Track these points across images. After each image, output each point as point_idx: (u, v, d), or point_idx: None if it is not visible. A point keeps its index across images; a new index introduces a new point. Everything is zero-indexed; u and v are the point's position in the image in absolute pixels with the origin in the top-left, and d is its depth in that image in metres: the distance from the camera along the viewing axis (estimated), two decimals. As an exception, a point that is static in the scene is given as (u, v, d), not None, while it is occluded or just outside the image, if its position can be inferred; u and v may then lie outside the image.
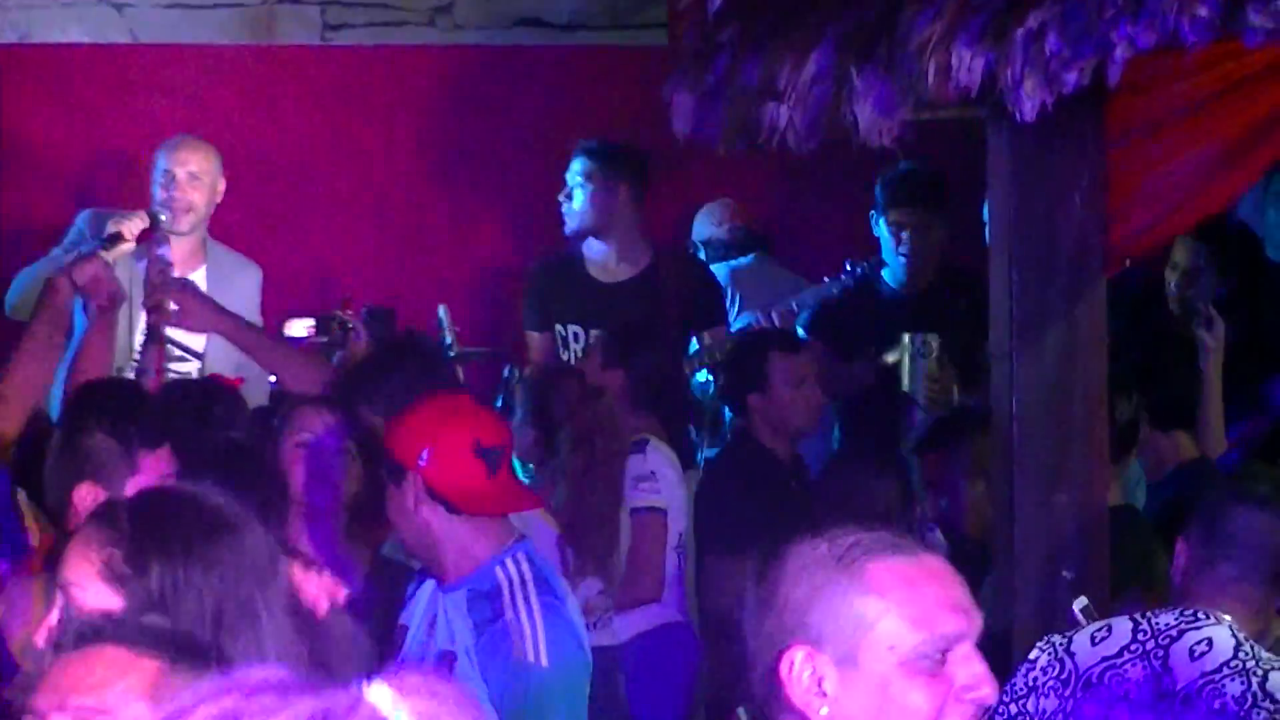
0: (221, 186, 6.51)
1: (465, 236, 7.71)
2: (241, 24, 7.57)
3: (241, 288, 6.44)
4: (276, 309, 6.66)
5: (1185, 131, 4.99)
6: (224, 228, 6.93)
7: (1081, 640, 3.14)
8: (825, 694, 2.52)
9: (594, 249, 6.81)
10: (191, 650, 2.37)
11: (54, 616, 2.76)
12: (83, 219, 6.59)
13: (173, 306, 5.51)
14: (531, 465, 5.54)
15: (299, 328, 6.24)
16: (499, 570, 3.92)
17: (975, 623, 2.56)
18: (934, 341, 6.52)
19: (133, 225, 5.94)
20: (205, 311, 5.52)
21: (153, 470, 3.97)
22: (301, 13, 7.58)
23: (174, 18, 7.53)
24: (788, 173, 7.32)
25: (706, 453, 6.57)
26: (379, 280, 7.47)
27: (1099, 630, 3.17)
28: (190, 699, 1.54)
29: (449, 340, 6.48)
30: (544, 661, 3.85)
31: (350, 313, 6.19)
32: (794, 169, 6.97)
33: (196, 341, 6.13)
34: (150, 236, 6.12)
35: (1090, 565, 4.70)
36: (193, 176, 6.37)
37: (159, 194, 6.36)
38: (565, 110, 7.52)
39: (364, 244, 7.68)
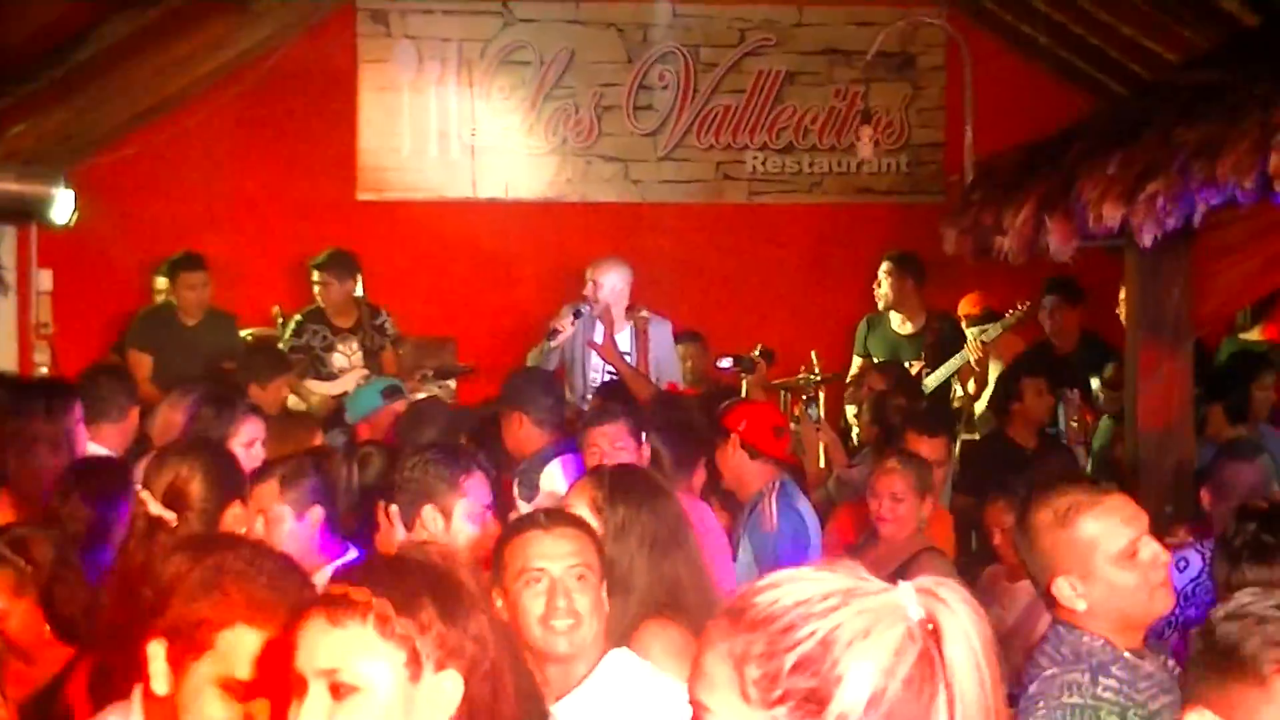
0: (627, 293, 8.92)
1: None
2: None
3: (656, 337, 8.85)
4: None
5: (1247, 251, 6.49)
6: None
7: None
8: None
9: (895, 316, 10.67)
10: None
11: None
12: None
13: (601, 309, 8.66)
14: None
15: (725, 360, 9.24)
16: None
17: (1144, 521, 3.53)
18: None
19: (565, 322, 8.81)
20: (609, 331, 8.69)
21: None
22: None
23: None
24: (1008, 278, 9.32)
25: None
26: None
27: None
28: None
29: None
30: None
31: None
32: (1013, 276, 8.78)
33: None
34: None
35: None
36: (598, 286, 8.83)
37: (589, 294, 8.91)
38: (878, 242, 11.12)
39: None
